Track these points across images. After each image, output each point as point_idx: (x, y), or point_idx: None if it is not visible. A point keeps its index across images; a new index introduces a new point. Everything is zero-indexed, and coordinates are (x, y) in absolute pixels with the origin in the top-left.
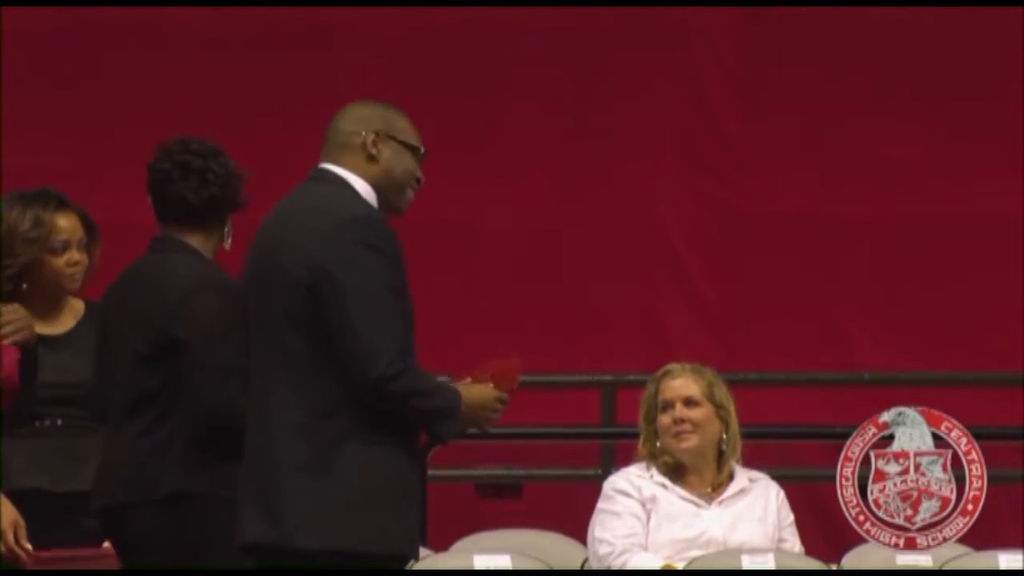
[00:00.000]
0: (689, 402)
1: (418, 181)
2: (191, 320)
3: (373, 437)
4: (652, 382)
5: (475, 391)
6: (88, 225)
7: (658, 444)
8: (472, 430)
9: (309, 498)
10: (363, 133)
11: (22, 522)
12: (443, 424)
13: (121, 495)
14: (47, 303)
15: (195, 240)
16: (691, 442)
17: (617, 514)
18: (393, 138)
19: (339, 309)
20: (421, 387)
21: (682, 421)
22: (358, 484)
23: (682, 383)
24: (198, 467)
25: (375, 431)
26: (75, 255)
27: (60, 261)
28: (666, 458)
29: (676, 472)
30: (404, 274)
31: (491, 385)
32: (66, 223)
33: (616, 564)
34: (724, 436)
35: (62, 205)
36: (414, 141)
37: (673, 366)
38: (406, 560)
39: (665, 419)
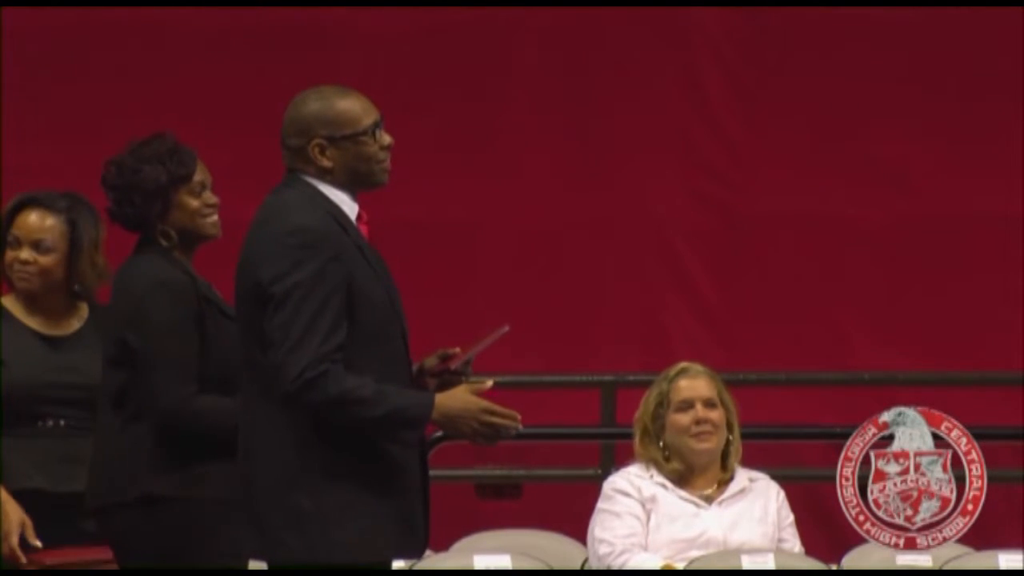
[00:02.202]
0: (708, 403)
1: (384, 149)
2: (142, 324)
3: (348, 446)
4: (664, 380)
5: (454, 398)
6: (76, 234)
7: (662, 443)
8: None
9: (284, 513)
10: (308, 146)
11: (29, 521)
12: (397, 433)
13: (100, 496)
14: (48, 303)
15: (167, 240)
16: (711, 443)
17: (617, 514)
18: (338, 138)
19: (267, 323)
20: (354, 396)
21: (704, 421)
22: (331, 496)
23: (702, 384)
24: (164, 470)
25: (351, 439)
26: (23, 254)
27: (10, 254)
28: (675, 464)
29: (682, 477)
30: (341, 277)
31: (471, 394)
32: (25, 220)
33: (616, 564)
34: (730, 438)
35: (39, 205)
36: (360, 125)
37: (687, 365)
38: (387, 564)
39: (683, 419)
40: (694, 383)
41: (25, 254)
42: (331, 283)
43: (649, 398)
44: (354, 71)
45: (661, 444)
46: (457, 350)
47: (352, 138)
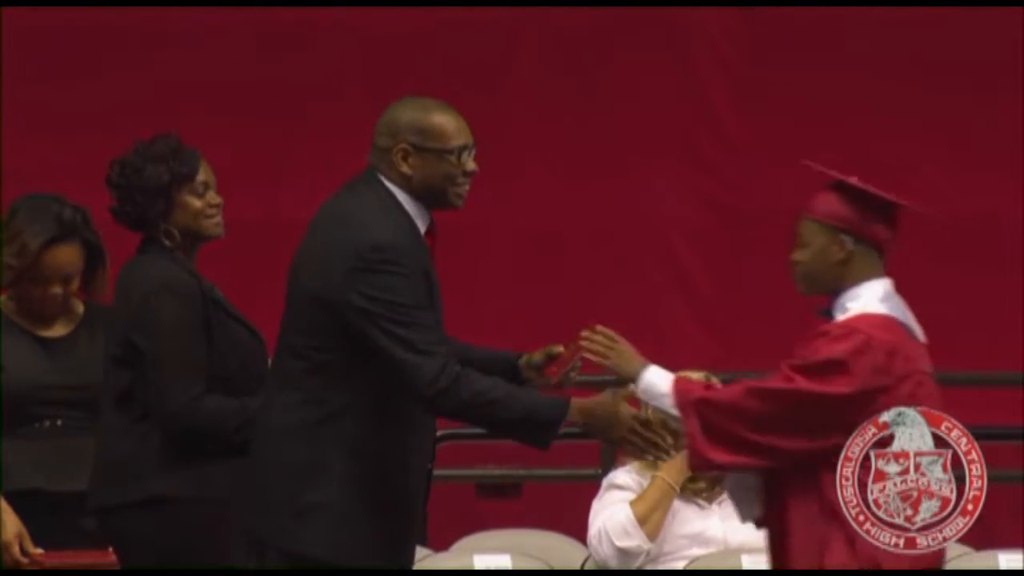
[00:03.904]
0: None
1: (466, 175)
2: (147, 324)
3: (366, 447)
4: None
5: (604, 406)
6: (93, 251)
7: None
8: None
9: (289, 502)
10: (393, 148)
11: (25, 531)
12: (532, 434)
13: (104, 497)
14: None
15: (171, 240)
16: None
17: (613, 504)
18: (423, 148)
19: (370, 339)
20: (487, 398)
21: None
22: (337, 495)
23: None
24: (173, 470)
25: (370, 441)
26: (54, 288)
27: (37, 290)
28: (702, 483)
29: (697, 490)
30: (429, 285)
31: (625, 402)
32: (55, 259)
33: (604, 536)
34: None
35: (60, 239)
36: (450, 142)
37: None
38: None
39: None
40: None
41: (56, 289)
42: (423, 291)
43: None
44: (355, 71)
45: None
46: (561, 349)
47: (436, 153)
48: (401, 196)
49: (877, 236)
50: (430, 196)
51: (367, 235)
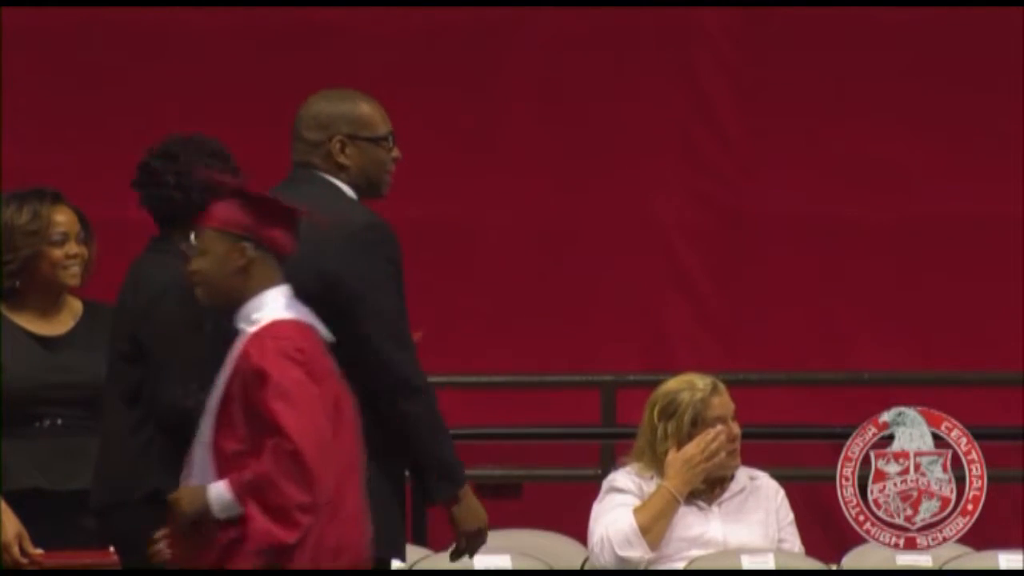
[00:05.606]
0: (733, 417)
1: (393, 161)
2: (155, 323)
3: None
4: (698, 400)
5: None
6: (84, 221)
7: (706, 461)
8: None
9: None
10: (327, 141)
11: (25, 532)
12: (442, 481)
13: (107, 494)
14: (46, 300)
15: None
16: (738, 458)
17: (616, 507)
18: (358, 138)
19: (364, 327)
20: (441, 423)
21: (735, 438)
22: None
23: (727, 399)
24: (176, 468)
25: (369, 439)
26: (73, 247)
27: (59, 253)
28: (702, 486)
29: (694, 491)
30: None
31: None
32: (63, 217)
33: (607, 544)
34: None
35: (58, 200)
36: (380, 130)
37: (712, 380)
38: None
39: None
40: (723, 399)
41: (75, 247)
42: (401, 281)
43: (682, 416)
44: (354, 71)
45: (704, 462)
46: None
47: (372, 141)
48: (342, 186)
49: (277, 242)
50: (365, 184)
51: (355, 218)
